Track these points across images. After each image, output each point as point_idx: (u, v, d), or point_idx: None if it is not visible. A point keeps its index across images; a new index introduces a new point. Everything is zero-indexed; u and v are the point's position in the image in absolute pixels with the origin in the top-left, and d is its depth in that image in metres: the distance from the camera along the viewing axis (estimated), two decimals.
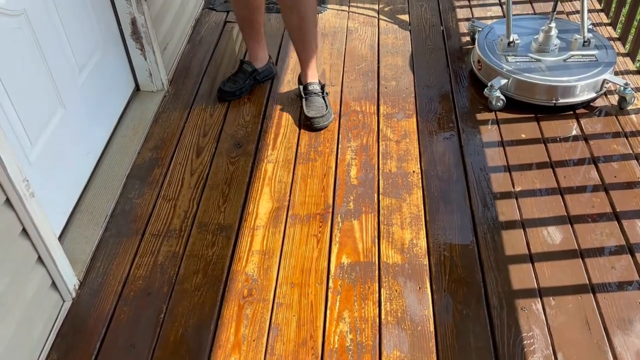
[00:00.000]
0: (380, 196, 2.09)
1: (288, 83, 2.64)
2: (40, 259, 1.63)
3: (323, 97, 2.44)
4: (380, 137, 2.33)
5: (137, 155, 2.29)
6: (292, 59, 2.78)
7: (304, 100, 2.43)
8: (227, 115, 2.48)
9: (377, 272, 1.84)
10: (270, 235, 1.97)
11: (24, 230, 1.55)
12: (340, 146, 2.30)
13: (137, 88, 2.59)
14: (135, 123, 2.42)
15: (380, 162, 2.22)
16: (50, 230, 1.65)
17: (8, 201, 1.48)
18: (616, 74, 2.48)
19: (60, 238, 1.88)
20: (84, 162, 2.15)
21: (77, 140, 2.09)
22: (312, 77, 2.47)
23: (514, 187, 2.09)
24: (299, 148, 2.31)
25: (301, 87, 2.48)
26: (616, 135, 2.27)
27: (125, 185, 2.17)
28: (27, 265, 1.58)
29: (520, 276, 1.80)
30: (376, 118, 2.43)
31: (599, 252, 1.86)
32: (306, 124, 2.40)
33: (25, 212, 1.52)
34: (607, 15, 2.93)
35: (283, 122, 2.43)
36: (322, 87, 2.47)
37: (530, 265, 1.83)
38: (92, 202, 2.09)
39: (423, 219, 1.99)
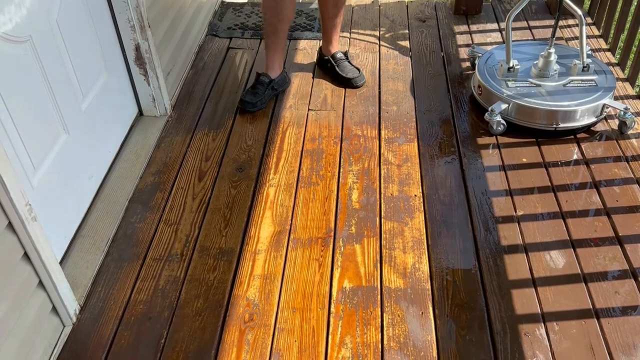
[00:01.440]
0: (382, 220, 2.09)
1: (290, 108, 2.66)
2: (41, 283, 1.62)
3: (349, 62, 2.82)
4: (381, 161, 2.34)
5: (140, 180, 2.30)
6: (294, 84, 2.81)
7: (335, 67, 2.80)
8: (229, 139, 2.50)
9: (379, 296, 1.83)
10: (271, 260, 1.96)
11: (26, 255, 1.55)
12: (341, 170, 2.31)
13: (140, 113, 2.61)
14: (138, 148, 2.44)
15: (382, 186, 2.23)
16: (52, 255, 1.65)
17: (10, 225, 1.48)
18: (616, 98, 2.49)
19: (61, 262, 1.88)
20: (86, 186, 2.15)
21: (79, 165, 2.09)
22: (338, 47, 2.86)
23: (515, 211, 2.09)
24: (300, 172, 2.31)
25: (329, 57, 2.83)
26: (617, 159, 2.28)
27: (127, 209, 2.17)
28: (28, 289, 1.58)
29: (523, 301, 1.79)
30: (377, 142, 2.44)
31: (602, 276, 1.85)
32: (347, 84, 2.77)
33: (27, 237, 1.52)
34: (605, 41, 2.96)
35: (285, 146, 2.44)
36: (346, 54, 2.85)
37: (533, 289, 1.82)
38: (94, 227, 2.09)
39: (425, 243, 1.99)
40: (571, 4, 2.43)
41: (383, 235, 2.03)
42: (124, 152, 2.41)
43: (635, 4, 2.63)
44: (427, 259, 1.94)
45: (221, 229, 2.09)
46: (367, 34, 3.18)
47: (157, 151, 2.44)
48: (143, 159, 2.38)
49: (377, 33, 3.18)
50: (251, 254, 1.98)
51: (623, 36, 2.78)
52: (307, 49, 3.07)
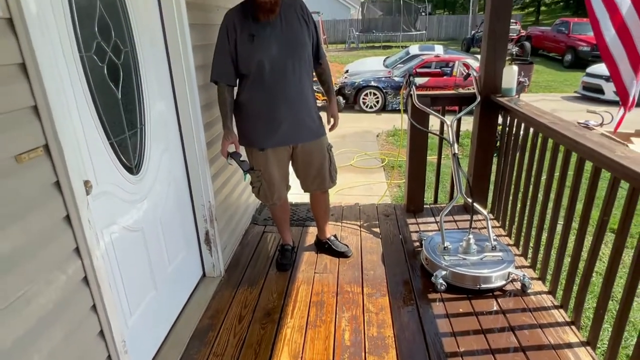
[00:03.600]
0: (367, 354, 1.97)
1: (302, 272, 2.66)
2: None
3: (339, 241, 2.83)
4: (364, 310, 2.28)
5: (199, 322, 2.21)
6: (305, 255, 2.84)
7: (332, 246, 2.77)
8: (261, 293, 2.46)
9: None
10: None
11: None
12: (337, 316, 2.24)
13: (203, 275, 2.60)
14: (200, 299, 2.39)
15: (365, 328, 2.14)
16: None
17: (109, 358, 1.41)
18: (516, 268, 2.51)
19: None
20: (162, 326, 2.07)
21: (159, 312, 2.04)
22: (329, 233, 2.83)
23: (459, 347, 1.98)
24: (309, 317, 2.24)
25: (325, 240, 2.79)
26: (524, 310, 2.22)
27: (189, 345, 2.06)
28: None
29: None
30: (361, 296, 2.40)
31: None
32: (341, 255, 2.75)
33: None
34: (504, 229, 3.05)
35: (298, 298, 2.40)
36: (335, 236, 2.86)
37: None
38: (164, 357, 1.96)
39: None
40: (479, 207, 2.59)
41: None
42: (190, 302, 2.36)
43: (519, 205, 2.78)
44: None
45: None
46: (352, 223, 3.29)
47: (212, 301, 2.39)
48: (202, 307, 2.32)
49: (358, 223, 3.29)
50: None
51: (514, 226, 2.88)
52: (314, 232, 3.16)
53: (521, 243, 2.76)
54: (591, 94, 10.01)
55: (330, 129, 2.57)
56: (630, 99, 2.42)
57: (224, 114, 2.24)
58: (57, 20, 1.35)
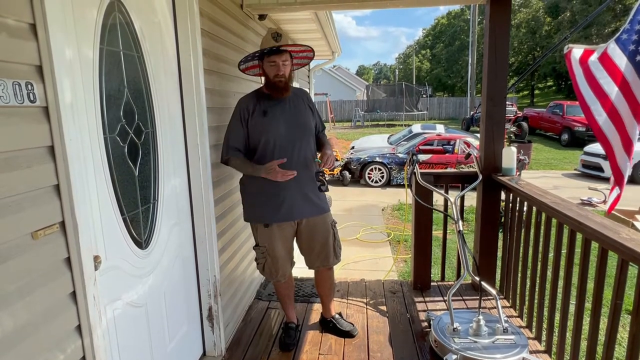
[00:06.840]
0: None
1: (306, 352, 2.51)
2: None
3: (344, 320, 2.72)
4: None
5: None
6: (309, 334, 2.71)
7: (337, 325, 2.66)
8: None
9: None
10: None
11: None
12: None
13: (203, 354, 2.47)
14: None
15: None
16: None
17: None
18: (531, 352, 2.35)
19: None
20: None
21: None
22: (335, 310, 2.75)
23: None
24: None
25: (330, 318, 2.69)
26: None
27: None
28: None
29: None
30: None
31: None
32: (346, 335, 2.63)
33: None
34: (514, 309, 2.92)
35: None
36: (340, 314, 2.75)
37: None
38: None
39: None
40: (487, 286, 2.50)
41: None
42: None
43: (529, 284, 2.68)
44: None
45: None
46: (357, 301, 3.18)
47: None
48: None
49: (364, 300, 3.18)
50: None
51: (525, 307, 2.75)
52: (320, 309, 3.04)
53: (534, 325, 2.62)
54: (591, 172, 10.15)
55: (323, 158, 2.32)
56: (625, 180, 2.45)
57: (248, 167, 2.26)
58: (87, 107, 1.47)
